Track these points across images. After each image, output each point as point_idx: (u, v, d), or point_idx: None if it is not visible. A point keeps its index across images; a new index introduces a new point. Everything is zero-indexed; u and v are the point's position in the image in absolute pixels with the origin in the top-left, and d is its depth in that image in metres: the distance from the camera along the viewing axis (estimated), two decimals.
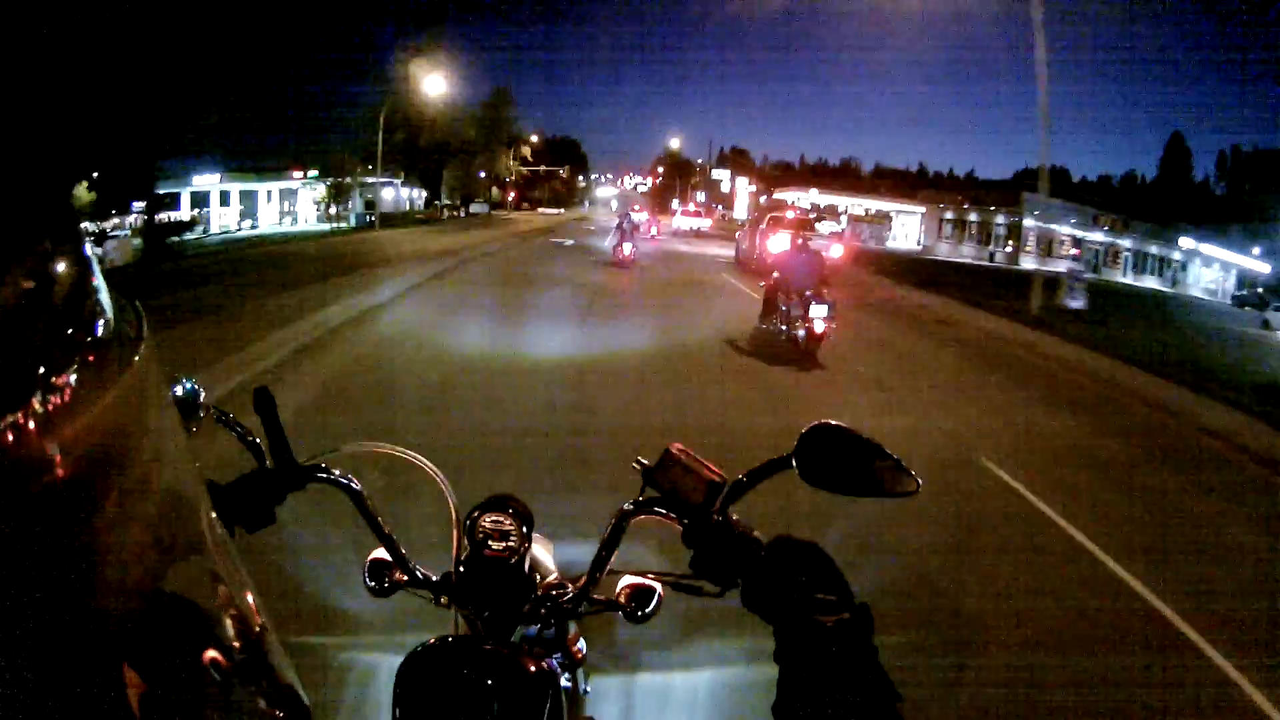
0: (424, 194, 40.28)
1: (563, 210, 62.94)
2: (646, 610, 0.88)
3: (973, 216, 43.90)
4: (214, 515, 0.41)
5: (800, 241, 7.91)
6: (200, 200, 27.50)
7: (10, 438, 0.24)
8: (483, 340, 6.99)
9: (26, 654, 0.24)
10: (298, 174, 30.15)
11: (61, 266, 0.31)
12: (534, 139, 59.78)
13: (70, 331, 0.30)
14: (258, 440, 0.85)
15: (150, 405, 0.35)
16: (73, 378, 0.28)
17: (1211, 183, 54.71)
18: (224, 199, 28.52)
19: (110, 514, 0.29)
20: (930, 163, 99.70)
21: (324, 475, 0.84)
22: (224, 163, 26.79)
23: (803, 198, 47.96)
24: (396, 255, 14.91)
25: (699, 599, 0.77)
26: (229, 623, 0.37)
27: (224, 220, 28.08)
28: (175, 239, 19.74)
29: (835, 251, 17.10)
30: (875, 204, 50.24)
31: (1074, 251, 39.02)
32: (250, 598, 0.41)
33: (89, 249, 0.34)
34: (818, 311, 6.75)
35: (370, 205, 30.96)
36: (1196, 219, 41.43)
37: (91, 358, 0.30)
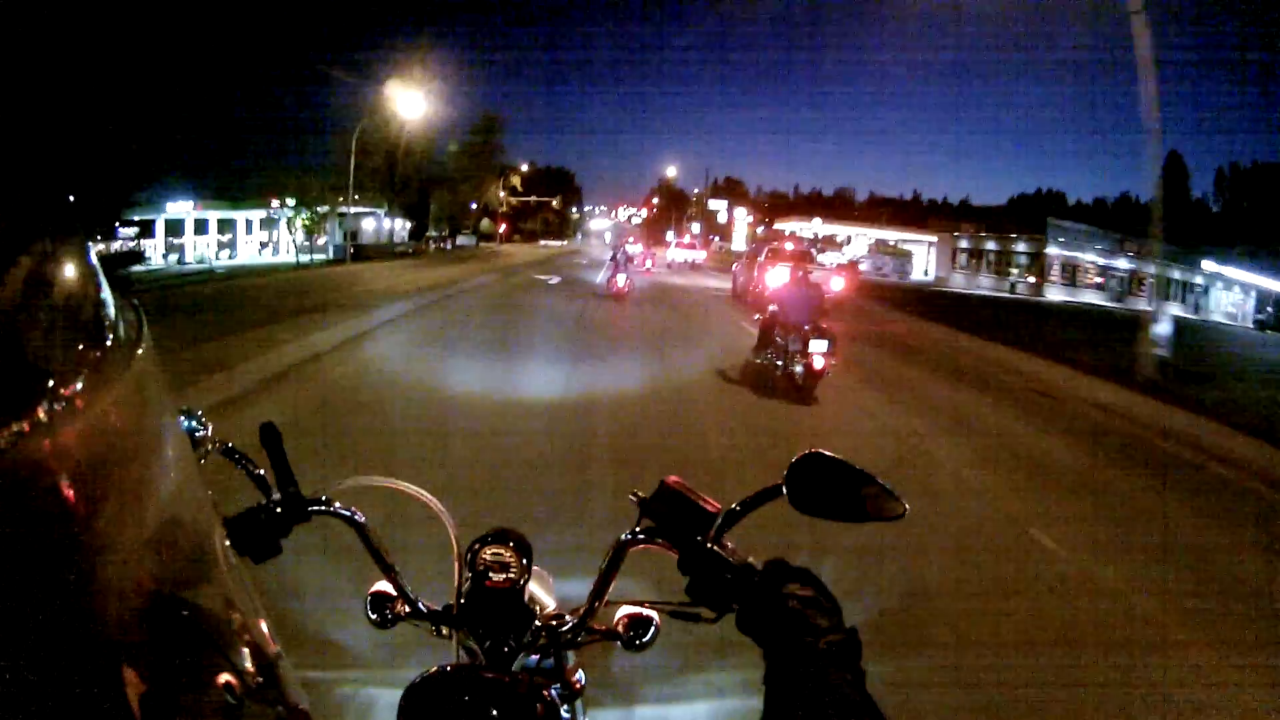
0: (408, 225, 40.42)
1: (565, 242, 63.13)
2: (644, 639, 0.93)
3: (990, 245, 43.78)
4: (227, 543, 0.42)
5: (800, 274, 7.99)
6: (175, 229, 27.65)
7: (15, 440, 0.25)
8: (439, 418, 5.54)
9: (27, 655, 0.24)
10: (275, 202, 29.97)
11: (65, 269, 0.32)
12: (524, 167, 60.63)
13: (74, 334, 0.31)
14: (263, 473, 0.91)
15: (150, 405, 0.36)
16: (77, 381, 0.29)
17: (1210, 201, 55.85)
18: (201, 228, 28.64)
19: (112, 512, 0.30)
20: (925, 191, 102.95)
21: (329, 508, 0.90)
22: (200, 190, 26.87)
23: (805, 228, 48.45)
24: (361, 294, 13.57)
25: (696, 625, 0.83)
26: (244, 648, 0.39)
27: (200, 250, 28.10)
28: (123, 270, 19.63)
29: (836, 285, 17.43)
30: (881, 234, 50.69)
31: (1098, 280, 39.18)
32: (264, 625, 0.43)
33: (92, 252, 0.35)
34: (817, 347, 6.77)
35: (351, 237, 30.95)
36: (1198, 239, 41.57)
37: (95, 360, 0.32)
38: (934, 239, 48.69)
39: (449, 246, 43.28)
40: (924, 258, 48.82)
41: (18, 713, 0.24)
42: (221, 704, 0.35)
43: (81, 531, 0.28)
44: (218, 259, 27.82)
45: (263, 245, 30.57)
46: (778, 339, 7.43)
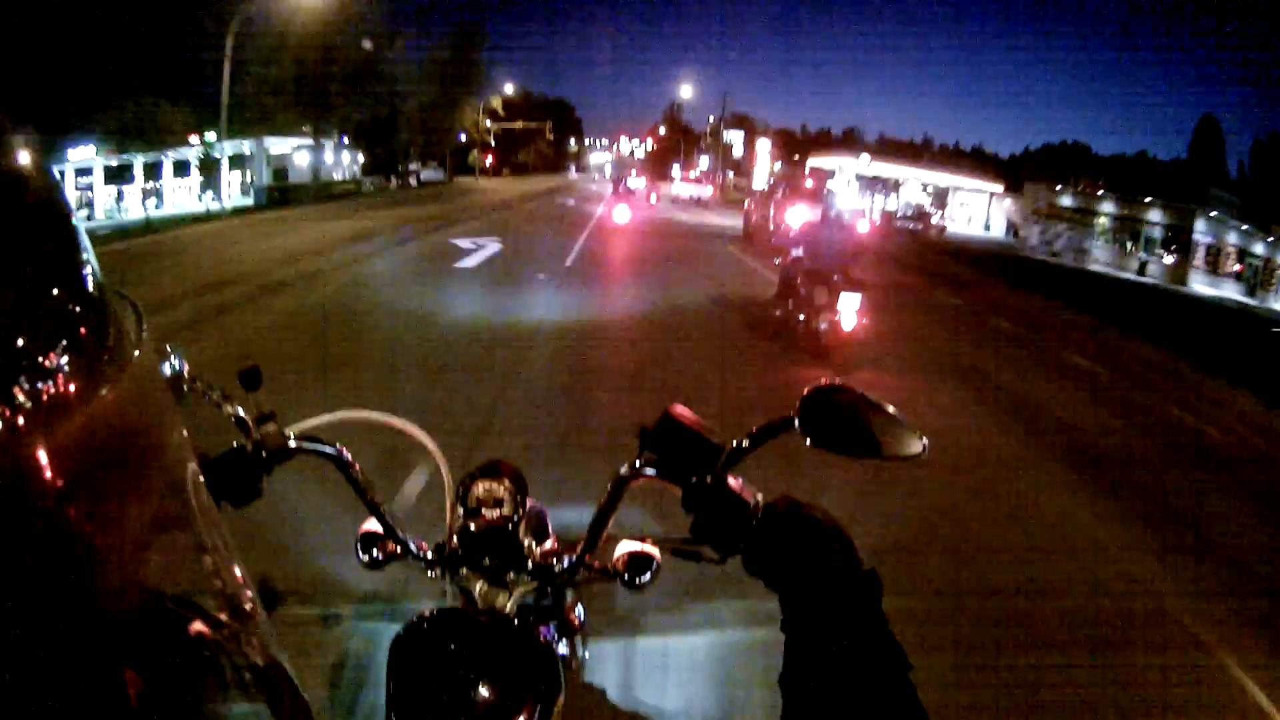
0: (360, 158, 38.80)
1: (557, 177, 61.65)
2: (644, 579, 1.03)
3: (1107, 207, 38.20)
4: (201, 482, 0.48)
5: (831, 213, 7.62)
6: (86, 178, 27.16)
7: (9, 438, 0.27)
8: None
9: (24, 653, 0.27)
10: (195, 139, 27.77)
11: (58, 262, 0.35)
12: (509, 89, 59.36)
13: (68, 330, 0.33)
14: (244, 414, 0.99)
15: (149, 405, 0.41)
16: (72, 379, 0.31)
17: (1245, 170, 54.41)
18: (119, 174, 28.04)
19: (109, 516, 0.32)
20: (935, 135, 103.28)
21: (312, 446, 0.99)
22: (108, 132, 25.82)
23: (846, 165, 45.49)
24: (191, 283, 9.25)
25: (700, 565, 0.90)
26: (215, 596, 0.44)
27: (110, 203, 27.33)
28: None
29: (860, 227, 17.77)
30: (929, 176, 47.76)
31: (1237, 268, 35.01)
32: (238, 571, 0.48)
33: (86, 242, 0.38)
34: (849, 302, 6.60)
35: (281, 175, 29.81)
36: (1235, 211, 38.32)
37: (91, 357, 0.34)
38: (996, 188, 45.12)
39: (415, 183, 42.20)
40: (984, 212, 46.18)
41: (12, 701, 0.26)
42: (196, 658, 0.38)
43: (76, 526, 0.30)
44: (144, 210, 27.34)
45: (203, 190, 29.58)
46: (800, 289, 7.21)
